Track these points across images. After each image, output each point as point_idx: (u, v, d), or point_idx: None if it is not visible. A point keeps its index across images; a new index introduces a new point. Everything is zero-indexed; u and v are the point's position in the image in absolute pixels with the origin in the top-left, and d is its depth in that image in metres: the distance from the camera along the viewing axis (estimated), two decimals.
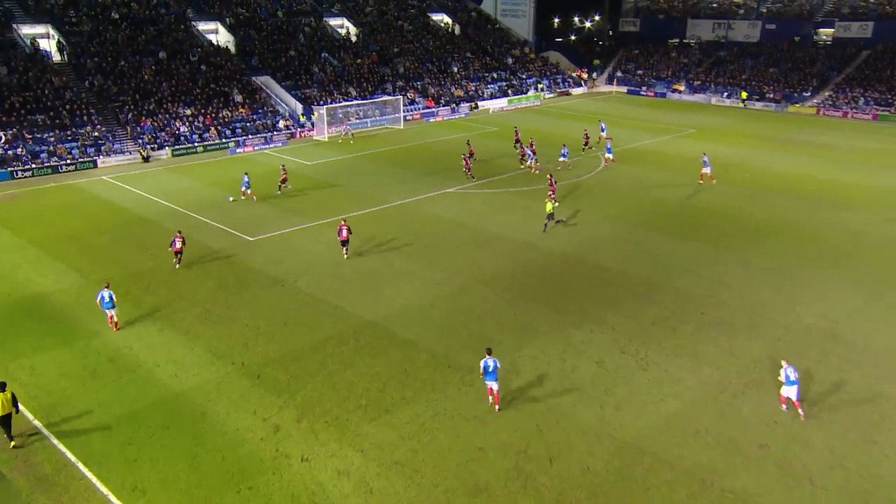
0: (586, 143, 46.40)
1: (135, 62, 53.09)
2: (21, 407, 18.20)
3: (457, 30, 79.06)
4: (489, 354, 18.35)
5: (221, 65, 56.94)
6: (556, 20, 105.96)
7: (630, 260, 27.79)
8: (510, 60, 76.67)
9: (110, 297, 22.41)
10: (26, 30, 52.61)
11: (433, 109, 62.95)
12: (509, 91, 70.68)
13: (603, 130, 49.13)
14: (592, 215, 33.26)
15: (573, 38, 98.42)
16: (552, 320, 22.94)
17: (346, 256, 27.86)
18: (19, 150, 42.81)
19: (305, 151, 48.94)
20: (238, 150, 49.15)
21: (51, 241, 30.16)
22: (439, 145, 49.92)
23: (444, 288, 25.25)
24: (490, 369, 18.14)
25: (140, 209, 34.92)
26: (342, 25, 70.96)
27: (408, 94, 63.05)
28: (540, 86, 73.67)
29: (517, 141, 47.15)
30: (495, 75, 72.86)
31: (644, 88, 76.67)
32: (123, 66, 52.21)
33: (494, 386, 18.25)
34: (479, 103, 66.69)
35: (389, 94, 61.32)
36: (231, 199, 35.63)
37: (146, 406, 18.49)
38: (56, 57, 51.91)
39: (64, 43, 52.17)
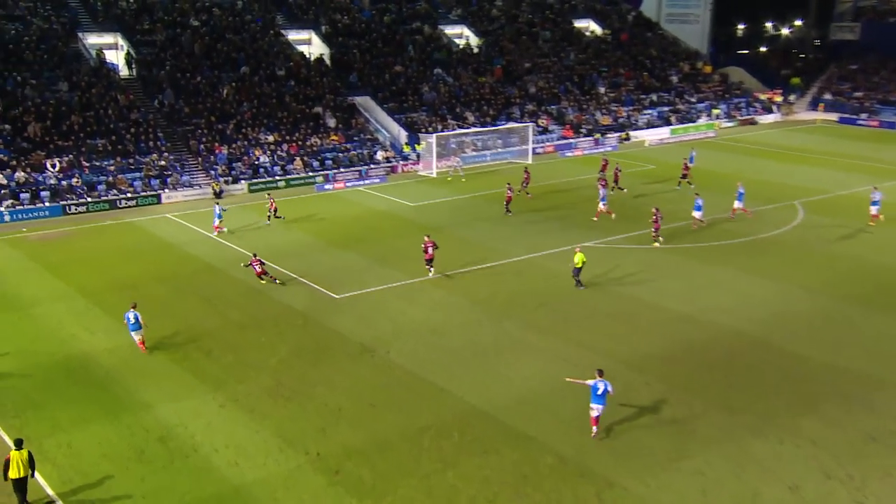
0: (684, 176, 48.56)
1: (212, 77, 57.38)
2: (52, 494, 19.47)
3: (608, 39, 79.82)
4: (601, 376, 21.42)
5: (313, 81, 60.35)
6: (741, 26, 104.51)
7: (837, 346, 26.43)
8: (676, 78, 76.30)
9: (136, 319, 26.84)
10: (93, 39, 58.16)
11: (571, 141, 63.36)
12: (673, 118, 70.14)
13: (691, 161, 49.81)
14: (782, 282, 32.15)
15: (763, 49, 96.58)
16: (723, 423, 22.04)
17: (430, 274, 33.20)
18: (74, 180, 47.04)
19: (408, 190, 50.45)
20: (327, 187, 51.49)
21: (103, 290, 32.56)
22: (577, 186, 49.98)
23: (577, 370, 24.87)
24: (599, 392, 21.21)
25: (207, 255, 37.09)
26: (461, 35, 73.51)
27: (540, 121, 63.93)
28: (715, 111, 72.63)
29: (603, 171, 48.85)
30: (655, 98, 72.67)
31: (865, 116, 73.70)
32: (199, 83, 56.57)
33: (599, 411, 21.28)
34: (632, 133, 66.52)
35: (516, 121, 62.43)
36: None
37: (200, 500, 19.20)
38: (123, 71, 57.06)
39: (133, 54, 57.28)
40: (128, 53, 57.40)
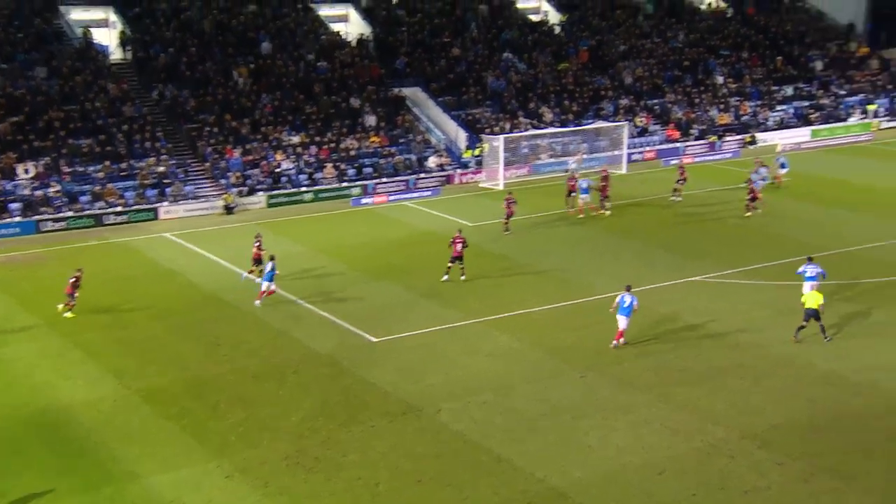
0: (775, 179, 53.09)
1: (225, 63, 58.57)
2: None
3: (729, 12, 79.12)
4: (628, 291, 29.87)
5: (350, 64, 61.15)
6: None
7: None
8: (820, 64, 75.28)
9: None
10: (79, 14, 59.75)
11: (678, 144, 63.04)
12: (814, 117, 69.20)
13: (783, 167, 52.73)
14: None
15: None
16: None
17: (444, 278, 36.98)
18: (52, 189, 48.24)
19: (467, 205, 50.60)
20: (365, 201, 52.02)
21: (83, 328, 33.13)
22: (686, 203, 49.73)
23: (685, 441, 24.66)
24: (625, 305, 29.61)
25: (214, 284, 37.64)
26: (538, 9, 73.91)
27: (637, 120, 63.70)
28: (871, 107, 71.43)
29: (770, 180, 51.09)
30: (791, 90, 71.85)
31: None
32: (209, 69, 57.79)
33: (624, 323, 29.77)
34: (759, 136, 65.80)
35: (607, 119, 62.34)
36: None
37: None
38: (116, 54, 58.45)
39: (128, 33, 58.72)
40: (122, 32, 58.81)
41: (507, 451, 24.28)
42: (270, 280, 34.68)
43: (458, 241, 37.03)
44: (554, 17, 72.84)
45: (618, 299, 29.87)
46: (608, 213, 47.40)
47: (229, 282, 38.09)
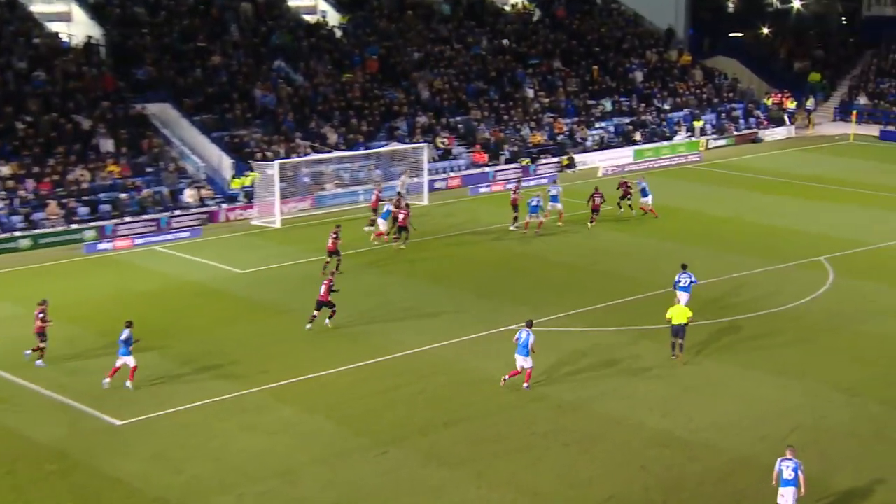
0: (625, 197, 55.16)
1: None
2: None
3: (536, 14, 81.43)
4: (529, 327, 31.98)
5: (76, 74, 59.47)
6: None
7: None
8: (640, 76, 78.50)
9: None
10: None
11: (487, 169, 64.08)
12: (637, 135, 71.96)
13: (644, 194, 54.53)
14: (809, 381, 33.04)
15: (766, 30, 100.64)
16: None
17: (327, 322, 37.99)
18: None
19: (236, 248, 49.91)
20: (102, 246, 50.23)
21: None
22: (501, 241, 50.57)
23: None
24: (522, 342, 31.69)
25: None
26: (314, 9, 74.10)
27: (438, 141, 64.47)
28: (698, 124, 74.90)
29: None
30: (609, 105, 74.47)
31: None
32: None
33: (525, 363, 31.77)
34: (578, 158, 67.63)
35: (402, 140, 62.81)
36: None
37: None
38: None
39: None
40: None
41: None
42: (128, 353, 32.94)
43: (326, 283, 38.14)
44: (333, 17, 73.09)
45: (516, 336, 32.08)
46: (403, 246, 48.08)
47: None
